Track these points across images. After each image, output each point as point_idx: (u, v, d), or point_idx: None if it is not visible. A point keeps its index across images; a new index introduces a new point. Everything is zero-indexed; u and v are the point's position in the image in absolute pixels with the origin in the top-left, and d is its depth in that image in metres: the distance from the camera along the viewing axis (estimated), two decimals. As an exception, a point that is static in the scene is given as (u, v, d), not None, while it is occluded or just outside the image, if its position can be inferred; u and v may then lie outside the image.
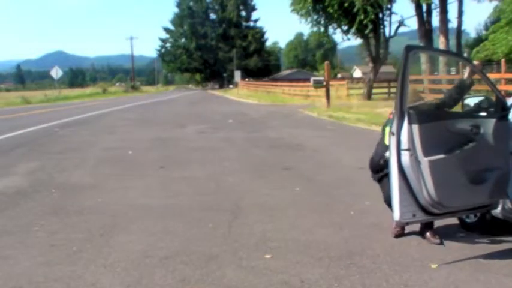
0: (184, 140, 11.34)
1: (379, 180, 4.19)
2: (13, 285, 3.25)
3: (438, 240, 3.90)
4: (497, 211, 3.74)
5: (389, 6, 24.67)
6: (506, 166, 3.62)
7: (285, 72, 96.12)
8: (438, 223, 4.11)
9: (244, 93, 45.76)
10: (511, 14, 23.74)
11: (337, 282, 3.21)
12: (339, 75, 73.55)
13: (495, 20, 29.39)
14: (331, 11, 24.10)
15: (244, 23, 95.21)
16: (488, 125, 3.61)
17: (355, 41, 30.45)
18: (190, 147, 10.13)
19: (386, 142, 3.84)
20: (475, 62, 4.11)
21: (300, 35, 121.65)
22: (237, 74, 54.90)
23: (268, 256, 3.70)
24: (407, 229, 4.07)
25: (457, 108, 4.25)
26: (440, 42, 22.03)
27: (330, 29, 27.22)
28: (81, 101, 40.94)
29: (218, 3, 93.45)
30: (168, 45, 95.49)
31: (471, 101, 4.10)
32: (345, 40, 37.27)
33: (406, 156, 3.37)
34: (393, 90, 28.67)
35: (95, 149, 9.92)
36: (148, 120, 17.51)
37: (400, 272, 3.35)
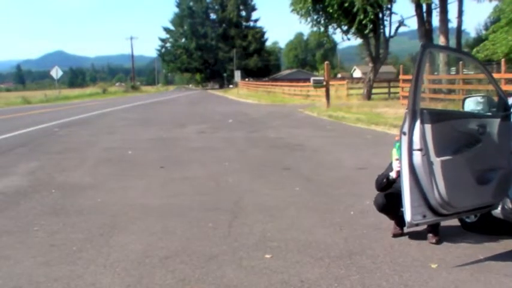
0: (184, 140, 11.34)
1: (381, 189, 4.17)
2: (13, 285, 3.25)
3: (434, 240, 3.90)
4: (497, 211, 3.75)
5: (389, 6, 24.67)
6: (508, 166, 3.62)
7: (285, 72, 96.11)
8: (440, 223, 4.10)
9: (244, 93, 45.79)
10: (511, 14, 23.74)
11: (337, 282, 3.21)
12: (339, 75, 73.53)
13: (495, 20, 29.39)
14: (331, 10, 24.10)
15: (244, 23, 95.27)
16: (493, 125, 3.61)
17: (355, 41, 30.43)
18: (190, 147, 10.13)
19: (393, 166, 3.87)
20: None
21: (300, 35, 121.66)
22: (237, 74, 54.91)
23: (268, 256, 3.70)
24: (408, 229, 4.06)
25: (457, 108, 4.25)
26: (440, 42, 22.01)
27: (330, 29, 27.24)
28: (81, 101, 40.95)
29: (218, 3, 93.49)
30: (168, 45, 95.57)
31: (471, 100, 4.09)
32: (345, 40, 37.25)
33: (417, 157, 3.34)
34: (393, 90, 28.71)
35: (95, 149, 9.92)
36: (148, 120, 17.51)
37: (400, 272, 3.35)
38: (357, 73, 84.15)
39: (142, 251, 3.85)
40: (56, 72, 43.64)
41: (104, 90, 62.40)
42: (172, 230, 4.40)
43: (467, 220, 4.20)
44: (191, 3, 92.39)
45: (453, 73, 23.10)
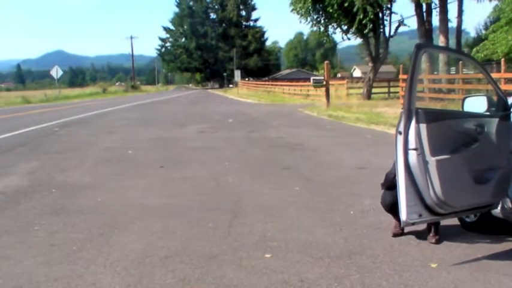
0: (184, 139, 11.34)
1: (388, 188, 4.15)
2: (13, 284, 3.25)
3: (433, 240, 3.90)
4: (497, 210, 3.75)
5: (389, 5, 24.68)
6: (508, 165, 3.63)
7: (285, 71, 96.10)
8: (440, 222, 4.10)
9: (244, 93, 45.80)
10: (511, 14, 23.75)
11: (337, 281, 3.22)
12: (339, 75, 73.59)
13: (495, 20, 29.40)
14: (331, 10, 24.12)
15: (244, 23, 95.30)
16: (492, 125, 3.61)
17: (355, 41, 30.45)
18: (190, 146, 10.13)
19: None
20: None
21: (299, 35, 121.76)
22: (237, 74, 54.90)
23: (268, 256, 3.70)
24: (408, 228, 4.07)
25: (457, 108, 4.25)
26: (440, 42, 22.04)
27: (330, 29, 27.27)
28: (81, 100, 40.96)
29: (218, 3, 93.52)
30: (168, 44, 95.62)
31: (471, 100, 4.09)
32: (345, 40, 37.18)
33: (413, 156, 3.36)
34: (393, 90, 28.73)
35: (95, 149, 9.92)
36: (148, 120, 17.51)
37: (400, 272, 3.35)
38: (357, 73, 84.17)
39: (143, 250, 3.85)
40: (56, 72, 43.64)
41: (104, 89, 62.42)
42: (172, 229, 4.40)
43: (467, 220, 4.20)
44: (191, 3, 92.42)
45: (453, 73, 23.11)
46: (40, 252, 3.86)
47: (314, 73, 78.69)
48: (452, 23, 25.03)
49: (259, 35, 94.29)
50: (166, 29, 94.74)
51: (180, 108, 25.69)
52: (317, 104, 22.82)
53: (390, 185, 4.06)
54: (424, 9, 23.08)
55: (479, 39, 36.99)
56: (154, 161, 8.26)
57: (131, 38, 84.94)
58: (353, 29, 25.20)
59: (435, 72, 21.90)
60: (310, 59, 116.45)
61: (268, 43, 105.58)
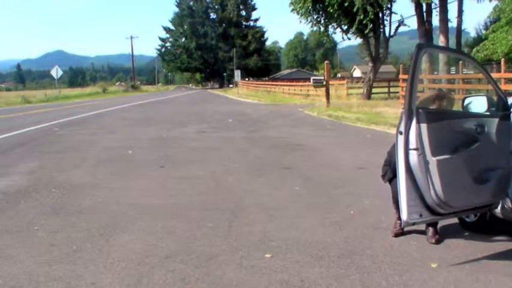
0: (185, 139, 11.34)
1: (390, 181, 4.15)
2: (13, 284, 3.25)
3: (433, 240, 3.91)
4: (497, 210, 3.74)
5: (389, 5, 24.68)
6: (508, 165, 3.63)
7: (285, 71, 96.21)
8: (438, 222, 4.11)
9: (244, 93, 45.80)
10: (511, 14, 23.75)
11: (337, 281, 3.21)
12: (339, 75, 73.56)
13: (495, 20, 29.41)
14: (331, 10, 24.12)
15: (244, 23, 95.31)
16: (492, 125, 3.61)
17: (355, 41, 30.53)
18: (190, 146, 10.13)
19: None
20: None
21: (299, 35, 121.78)
22: (237, 74, 54.89)
23: (268, 255, 3.70)
24: (408, 228, 4.07)
25: (457, 108, 4.25)
26: (440, 42, 22.03)
27: (330, 29, 27.27)
28: (81, 100, 40.96)
29: (218, 3, 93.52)
30: (168, 44, 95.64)
31: (471, 100, 4.09)
32: (345, 40, 37.27)
33: (414, 156, 3.35)
34: (393, 90, 28.73)
35: (95, 149, 9.92)
36: (149, 120, 17.51)
37: (400, 272, 3.35)
38: (357, 73, 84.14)
39: (142, 250, 3.85)
40: (56, 72, 43.65)
41: (104, 89, 62.41)
42: (172, 229, 4.40)
43: (467, 219, 4.20)
44: (191, 3, 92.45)
45: (453, 73, 23.11)
46: (40, 252, 3.86)
47: (314, 73, 78.77)
48: (452, 23, 25.05)
49: (259, 35, 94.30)
50: (166, 29, 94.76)
51: (180, 108, 25.69)
52: (317, 104, 22.82)
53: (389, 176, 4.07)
54: (424, 9, 23.07)
55: (479, 39, 37.02)
56: (155, 160, 8.26)
57: (131, 38, 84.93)
58: (353, 29, 25.20)
59: (435, 72, 21.89)
60: (310, 59, 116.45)
61: (268, 43, 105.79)
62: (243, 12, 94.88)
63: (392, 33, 25.38)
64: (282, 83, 45.23)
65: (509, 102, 3.81)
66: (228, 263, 3.57)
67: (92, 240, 4.13)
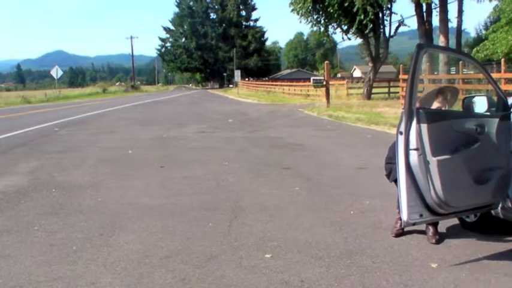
0: (184, 139, 11.34)
1: (396, 180, 4.14)
2: (13, 284, 3.25)
3: (434, 240, 3.91)
4: (498, 210, 3.74)
5: (389, 6, 24.68)
6: (508, 165, 3.63)
7: (285, 71, 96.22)
8: (438, 222, 4.11)
9: (244, 93, 45.81)
10: (511, 14, 23.75)
11: (337, 281, 3.21)
12: (339, 75, 73.54)
13: (495, 20, 29.42)
14: (331, 10, 24.12)
15: (244, 23, 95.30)
16: (492, 125, 3.61)
17: (355, 41, 30.50)
18: (190, 146, 10.13)
19: None
20: None
21: (300, 35, 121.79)
22: (237, 74, 54.88)
23: (268, 255, 3.70)
24: (408, 228, 4.07)
25: (458, 108, 4.25)
26: (440, 42, 22.03)
27: (330, 29, 27.26)
28: (81, 100, 40.97)
29: (218, 3, 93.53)
30: (168, 44, 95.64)
31: (471, 100, 4.08)
32: (345, 40, 37.29)
33: (414, 156, 3.35)
34: (393, 90, 28.73)
35: (95, 149, 9.92)
36: (149, 120, 17.51)
37: (400, 272, 3.35)
38: (357, 73, 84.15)
39: (142, 250, 3.85)
40: (56, 72, 43.66)
41: (104, 89, 62.41)
42: (172, 229, 4.40)
43: (467, 220, 4.20)
44: (191, 3, 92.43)
45: (453, 73, 23.11)
46: (40, 252, 3.85)
47: (314, 73, 78.75)
48: (453, 23, 25.06)
49: (259, 35, 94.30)
50: (166, 29, 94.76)
51: (180, 108, 25.69)
52: (317, 104, 22.83)
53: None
54: (424, 9, 23.08)
55: (479, 39, 37.02)
56: (155, 160, 8.26)
57: (131, 38, 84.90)
58: (353, 29, 25.19)
59: (435, 72, 21.89)
60: (310, 59, 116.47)
61: (268, 43, 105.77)
62: (243, 12, 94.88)
63: (392, 33, 25.38)
64: (282, 83, 45.22)
65: (509, 103, 3.81)
66: (228, 263, 3.56)
67: (91, 240, 4.12)
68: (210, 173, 7.12)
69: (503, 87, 13.58)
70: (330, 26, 26.89)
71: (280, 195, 5.64)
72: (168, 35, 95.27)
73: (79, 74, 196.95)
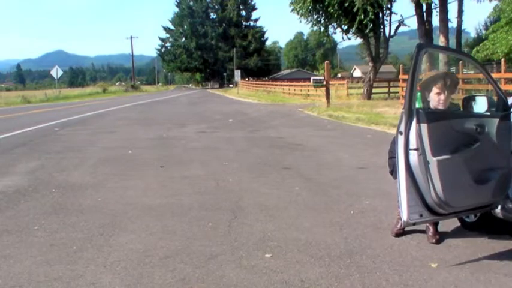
0: (185, 139, 11.34)
1: None
2: (13, 284, 3.25)
3: (434, 240, 3.91)
4: (498, 210, 3.74)
5: (389, 5, 24.68)
6: (508, 165, 3.63)
7: (285, 71, 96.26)
8: (439, 222, 4.10)
9: (244, 93, 45.82)
10: (511, 14, 23.76)
11: (337, 281, 3.21)
12: (339, 75, 73.58)
13: (495, 20, 29.42)
14: (331, 10, 24.12)
15: (244, 23, 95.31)
16: (492, 125, 3.61)
17: (355, 41, 30.52)
18: (190, 146, 10.13)
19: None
20: None
21: (300, 35, 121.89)
22: (237, 74, 54.90)
23: (268, 255, 3.70)
24: (408, 228, 4.07)
25: (457, 100, 4.25)
26: (440, 42, 22.02)
27: (330, 29, 27.25)
28: (81, 100, 40.97)
29: (218, 3, 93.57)
30: (168, 44, 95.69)
31: (471, 100, 4.08)
32: (345, 40, 37.29)
33: (414, 156, 3.35)
34: (393, 90, 28.72)
35: (95, 149, 9.92)
36: (149, 120, 17.51)
37: (400, 272, 3.35)
38: (357, 73, 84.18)
39: (142, 250, 3.85)
40: (56, 72, 43.69)
41: (104, 89, 62.45)
42: (172, 229, 4.40)
43: (467, 219, 4.20)
44: (191, 3, 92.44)
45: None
46: (40, 251, 3.85)
47: (314, 73, 78.79)
48: (453, 23, 25.07)
49: (259, 35, 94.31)
50: (166, 29, 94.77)
51: (180, 108, 25.69)
52: (317, 104, 22.83)
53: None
54: (424, 9, 23.07)
55: (479, 39, 37.04)
56: (155, 160, 8.26)
57: (131, 38, 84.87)
58: (353, 29, 25.19)
59: (435, 72, 21.85)
60: (310, 59, 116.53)
61: (268, 43, 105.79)
62: (243, 12, 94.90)
63: (392, 33, 25.38)
64: (282, 83, 45.21)
65: (509, 102, 3.81)
66: (228, 263, 3.56)
67: (91, 240, 4.12)
68: (210, 173, 7.12)
69: (503, 87, 13.57)
70: (330, 26, 26.89)
71: (280, 195, 5.64)
72: (168, 35, 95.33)
73: (79, 74, 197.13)
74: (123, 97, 48.07)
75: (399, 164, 3.39)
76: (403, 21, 25.20)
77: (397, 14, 34.71)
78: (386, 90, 29.42)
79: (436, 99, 3.75)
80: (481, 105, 3.89)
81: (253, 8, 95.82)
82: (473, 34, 61.87)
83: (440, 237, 3.95)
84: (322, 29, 27.00)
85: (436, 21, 23.23)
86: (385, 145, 4.52)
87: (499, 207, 3.71)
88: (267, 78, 72.26)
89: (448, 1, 22.64)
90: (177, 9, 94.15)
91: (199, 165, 7.82)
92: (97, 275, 3.37)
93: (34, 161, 8.32)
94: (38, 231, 4.41)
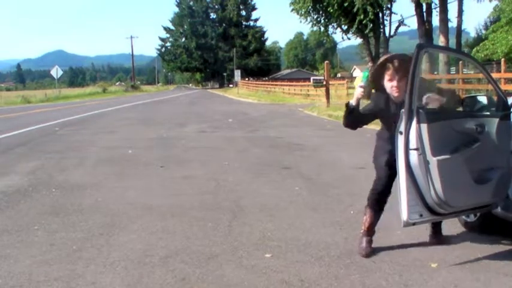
0: (185, 139, 11.33)
1: None
2: (13, 284, 3.25)
3: (434, 240, 3.91)
4: (498, 210, 3.74)
5: (389, 5, 24.70)
6: (508, 165, 3.63)
7: (285, 71, 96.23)
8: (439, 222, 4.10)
9: (244, 93, 45.81)
10: (511, 14, 23.76)
11: (337, 281, 3.21)
12: (339, 75, 73.56)
13: (495, 20, 29.42)
14: (331, 10, 24.16)
15: (244, 23, 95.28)
16: (492, 124, 3.61)
17: (355, 41, 30.53)
18: (190, 146, 10.13)
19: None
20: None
21: (300, 35, 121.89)
22: (237, 74, 54.91)
23: (268, 255, 3.70)
24: (408, 228, 4.05)
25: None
26: (440, 42, 22.04)
27: (330, 29, 27.32)
28: (81, 100, 40.98)
29: (218, 3, 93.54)
30: (168, 44, 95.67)
31: (471, 100, 4.08)
32: (345, 40, 37.31)
33: (414, 156, 3.35)
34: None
35: (95, 148, 9.91)
36: (149, 120, 17.51)
37: (400, 272, 3.35)
38: (357, 73, 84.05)
39: (143, 250, 3.85)
40: (56, 72, 43.67)
41: (104, 89, 62.41)
42: (172, 229, 4.40)
43: (467, 219, 4.20)
44: (191, 3, 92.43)
45: (453, 73, 23.11)
46: (40, 251, 3.85)
47: (314, 73, 78.73)
48: (453, 23, 25.05)
49: (259, 35, 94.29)
50: (167, 29, 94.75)
51: (180, 108, 25.68)
52: (317, 103, 22.82)
53: (344, 121, 4.28)
54: (424, 9, 23.09)
55: (479, 39, 37.02)
56: (155, 160, 8.26)
57: (131, 37, 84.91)
58: (353, 29, 25.25)
59: (435, 72, 21.90)
60: (310, 59, 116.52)
61: (268, 43, 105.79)
62: (243, 12, 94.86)
63: (392, 33, 25.44)
64: (282, 83, 45.21)
65: (509, 102, 3.81)
66: (228, 262, 3.56)
67: (91, 239, 4.12)
68: (210, 172, 7.12)
69: (503, 87, 13.56)
70: (330, 26, 26.98)
71: (280, 195, 5.64)
72: (168, 35, 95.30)
73: (79, 74, 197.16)
74: (123, 97, 48.07)
75: (399, 164, 3.40)
76: (403, 21, 25.30)
77: (397, 14, 34.80)
78: (386, 90, 29.38)
79: (389, 86, 3.62)
80: (480, 105, 3.89)
81: (253, 8, 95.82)
82: (473, 34, 61.82)
83: (441, 237, 3.95)
84: (322, 29, 27.07)
85: (436, 21, 23.27)
86: (385, 145, 4.51)
87: (499, 207, 3.71)
88: (267, 78, 72.29)
89: (448, 1, 22.66)
90: (177, 9, 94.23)
91: (199, 165, 7.82)
92: (97, 274, 3.37)
93: (34, 161, 8.32)
94: (38, 231, 4.41)
